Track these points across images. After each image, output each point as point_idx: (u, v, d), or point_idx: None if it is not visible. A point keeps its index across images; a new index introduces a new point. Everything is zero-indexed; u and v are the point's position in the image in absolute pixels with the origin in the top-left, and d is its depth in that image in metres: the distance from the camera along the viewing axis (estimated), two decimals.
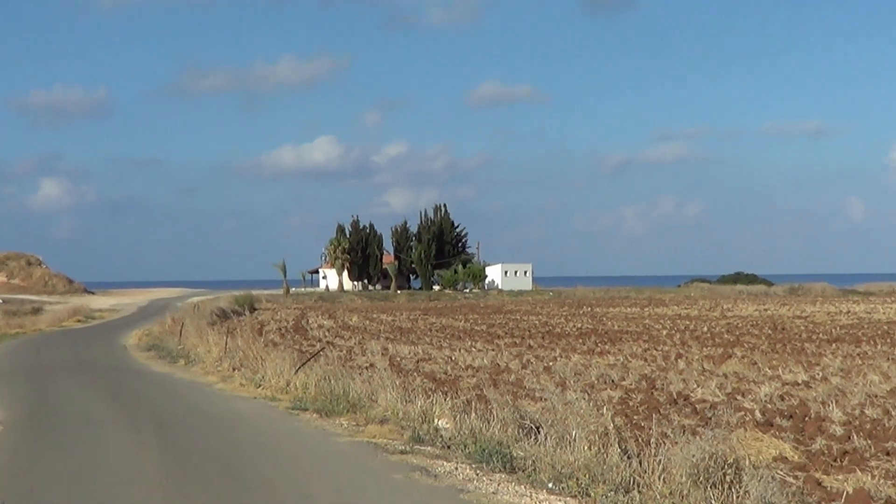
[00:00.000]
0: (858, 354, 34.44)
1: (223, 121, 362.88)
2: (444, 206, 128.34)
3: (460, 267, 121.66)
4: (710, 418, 19.27)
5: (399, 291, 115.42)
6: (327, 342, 42.85)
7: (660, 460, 12.11)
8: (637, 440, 15.05)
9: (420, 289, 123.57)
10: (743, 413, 20.33)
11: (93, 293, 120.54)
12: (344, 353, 36.06)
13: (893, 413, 20.36)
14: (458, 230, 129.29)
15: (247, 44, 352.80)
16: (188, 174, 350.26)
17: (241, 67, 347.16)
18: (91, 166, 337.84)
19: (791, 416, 20.17)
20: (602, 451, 13.19)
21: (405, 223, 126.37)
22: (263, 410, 21.15)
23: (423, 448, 15.74)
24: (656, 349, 37.78)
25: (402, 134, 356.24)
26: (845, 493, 13.30)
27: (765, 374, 28.20)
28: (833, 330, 49.03)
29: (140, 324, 58.94)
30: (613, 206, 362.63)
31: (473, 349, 38.64)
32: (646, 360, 33.28)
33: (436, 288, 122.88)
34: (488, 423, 15.79)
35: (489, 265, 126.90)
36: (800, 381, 26.24)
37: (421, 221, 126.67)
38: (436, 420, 17.24)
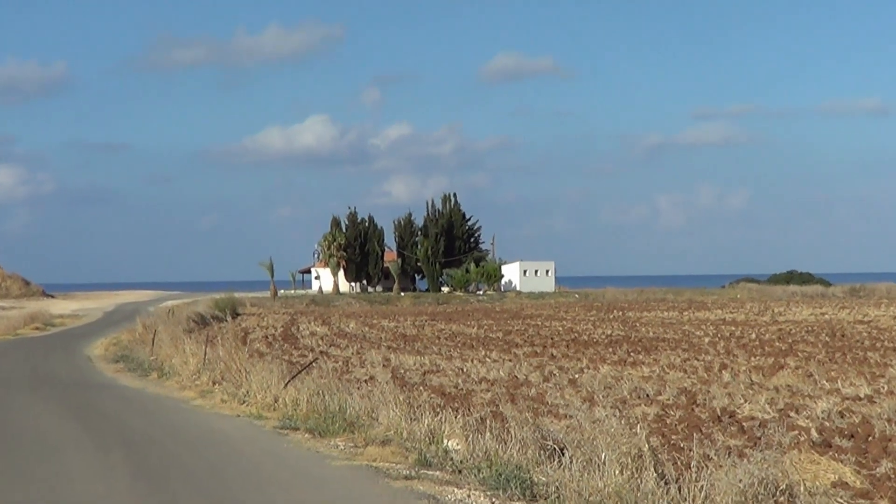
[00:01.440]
0: None
1: (200, 99, 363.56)
2: (454, 195, 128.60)
3: (473, 265, 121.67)
4: (760, 438, 19.24)
5: (403, 294, 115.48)
6: (321, 352, 42.84)
7: (702, 486, 12.10)
8: (676, 463, 15.04)
9: (427, 290, 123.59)
10: (797, 432, 20.31)
11: (52, 297, 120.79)
12: (340, 365, 36.04)
13: None
14: (469, 223, 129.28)
15: (226, 11, 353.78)
16: (160, 161, 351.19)
17: (219, 38, 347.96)
18: (49, 152, 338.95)
19: (852, 436, 20.14)
20: (635, 475, 13.19)
21: (409, 215, 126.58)
22: (248, 430, 21.18)
23: (430, 473, 15.76)
24: (697, 359, 37.73)
25: (405, 114, 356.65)
26: None
27: (822, 388, 28.16)
28: None
29: (106, 332, 59.03)
30: (647, 196, 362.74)
31: (488, 359, 38.63)
32: (685, 371, 33.23)
33: (445, 290, 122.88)
34: (505, 443, 15.80)
35: (506, 263, 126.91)
36: (862, 396, 26.20)
37: (427, 213, 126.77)
38: (445, 441, 17.25)
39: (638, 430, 13.95)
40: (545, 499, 13.73)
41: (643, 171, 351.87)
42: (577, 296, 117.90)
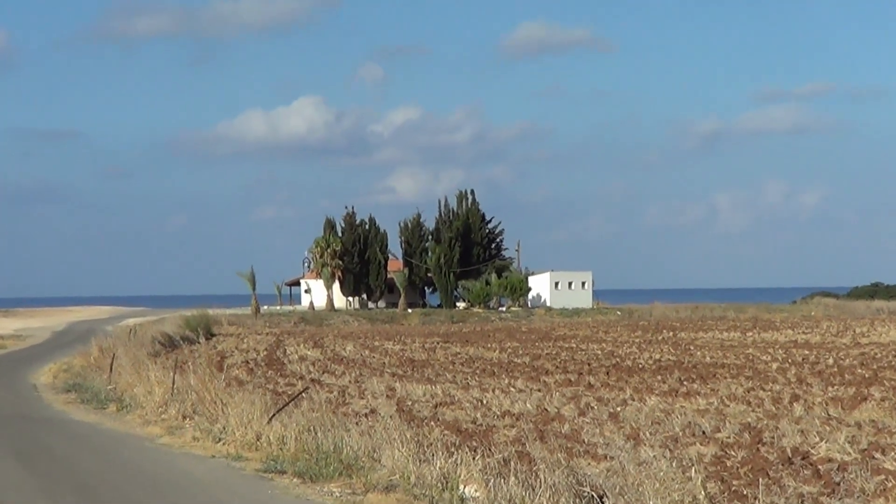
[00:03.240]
0: None
1: (166, 78, 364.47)
2: (472, 192, 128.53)
3: (494, 277, 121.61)
4: (839, 484, 19.19)
5: (410, 310, 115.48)
6: (312, 380, 42.81)
7: None
8: None
9: (439, 306, 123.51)
10: (883, 477, 20.25)
11: None
12: (335, 395, 36.03)
13: None
14: (490, 226, 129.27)
15: None
16: (119, 152, 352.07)
17: (189, 4, 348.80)
18: None
19: None
20: None
21: (418, 217, 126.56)
22: (225, 474, 21.18)
23: None
24: (763, 389, 37.66)
25: (413, 95, 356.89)
26: None
27: None
28: None
29: (55, 355, 59.09)
30: (702, 194, 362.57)
31: (512, 389, 38.59)
32: (749, 403, 33.16)
33: (460, 305, 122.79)
34: (533, 489, 15.79)
35: (533, 274, 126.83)
36: None
37: (440, 214, 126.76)
38: (461, 487, 17.25)
39: (692, 474, 13.93)
40: None
41: (697, 164, 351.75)
42: (618, 313, 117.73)
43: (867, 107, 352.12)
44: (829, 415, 29.96)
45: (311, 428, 23.00)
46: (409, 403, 34.08)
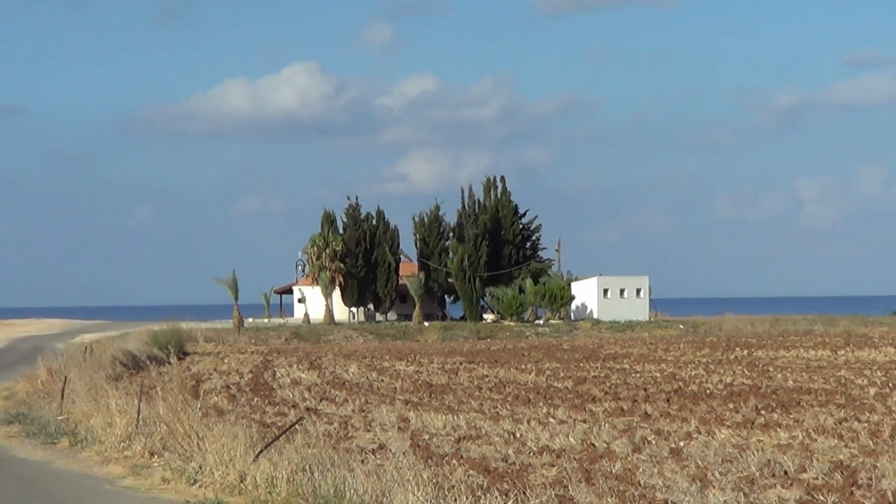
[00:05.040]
0: None
1: (126, 40, 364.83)
2: (502, 180, 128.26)
3: (529, 283, 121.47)
4: None
5: (427, 323, 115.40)
6: (308, 409, 42.85)
7: None
8: None
9: (462, 319, 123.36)
10: None
11: None
12: (336, 428, 36.05)
13: None
14: (524, 221, 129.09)
15: None
16: (70, 131, 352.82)
17: None
18: None
19: None
20: None
21: (436, 209, 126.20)
22: None
23: None
24: (859, 420, 37.62)
25: (429, 61, 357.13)
26: None
27: None
28: None
29: None
30: (781, 180, 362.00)
31: (552, 420, 38.60)
32: (841, 437, 33.10)
33: (488, 318, 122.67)
34: None
35: (577, 279, 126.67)
36: None
37: (463, 206, 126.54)
38: None
39: None
40: None
41: (776, 145, 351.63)
42: (681, 327, 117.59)
43: None
44: None
45: (307, 467, 23.02)
46: (426, 437, 34.09)
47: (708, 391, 49.34)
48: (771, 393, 47.82)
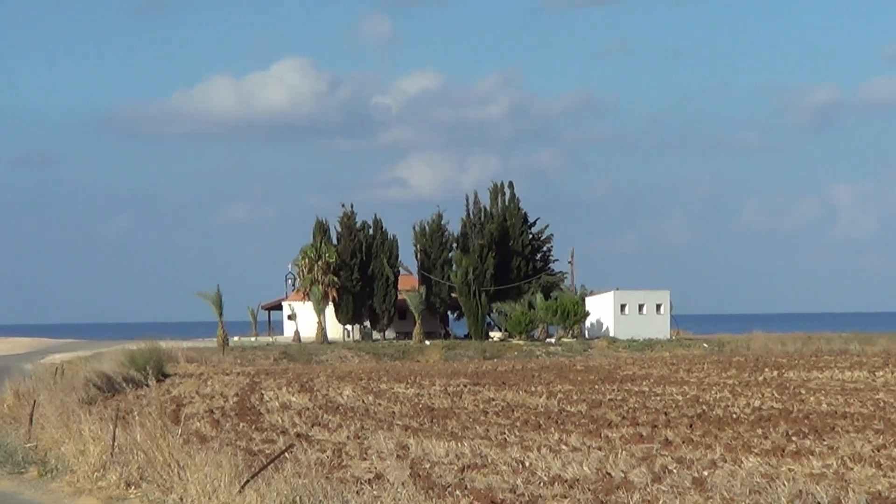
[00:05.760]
0: None
1: (103, 34, 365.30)
2: (510, 185, 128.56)
3: (539, 297, 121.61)
4: None
5: (428, 342, 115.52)
6: (298, 435, 42.87)
7: None
8: None
9: (466, 337, 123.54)
10: None
11: None
12: (329, 456, 36.10)
13: None
14: (534, 230, 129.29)
15: None
16: (38, 132, 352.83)
17: None
18: None
19: None
20: None
21: (438, 217, 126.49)
22: None
23: None
24: None
25: (430, 56, 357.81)
26: None
27: None
28: None
29: None
30: (814, 186, 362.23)
31: (564, 447, 38.59)
32: (879, 466, 33.09)
33: (495, 336, 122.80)
34: None
35: (592, 294, 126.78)
36: None
37: (468, 215, 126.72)
38: None
39: None
40: None
41: (808, 146, 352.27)
42: (705, 345, 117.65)
43: None
44: None
45: (297, 499, 22.98)
46: (427, 466, 34.09)
47: (734, 416, 49.32)
48: (803, 418, 47.81)
